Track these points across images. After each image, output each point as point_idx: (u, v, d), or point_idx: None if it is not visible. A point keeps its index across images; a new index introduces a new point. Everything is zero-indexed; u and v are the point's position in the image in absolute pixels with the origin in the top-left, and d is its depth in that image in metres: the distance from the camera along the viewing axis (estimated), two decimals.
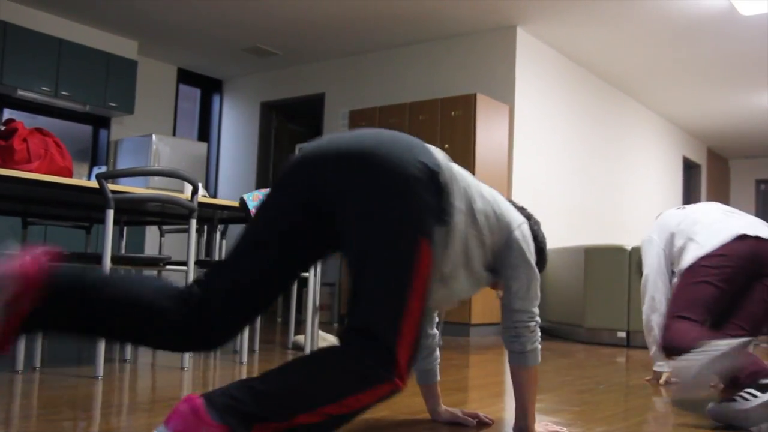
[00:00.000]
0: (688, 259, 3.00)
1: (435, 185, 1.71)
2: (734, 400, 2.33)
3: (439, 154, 1.81)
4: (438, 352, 2.38)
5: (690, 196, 11.02)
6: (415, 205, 1.63)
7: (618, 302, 5.56)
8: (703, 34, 6.58)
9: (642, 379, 3.59)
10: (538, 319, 2.06)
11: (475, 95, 6.09)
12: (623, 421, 2.47)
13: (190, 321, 1.66)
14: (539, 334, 2.08)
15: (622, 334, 5.59)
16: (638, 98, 8.97)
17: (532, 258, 2.03)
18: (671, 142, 10.21)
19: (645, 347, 5.46)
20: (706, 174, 11.55)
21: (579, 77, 7.68)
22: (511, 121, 6.52)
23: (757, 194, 12.46)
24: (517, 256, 2.01)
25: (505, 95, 6.56)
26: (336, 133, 1.77)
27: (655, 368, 3.44)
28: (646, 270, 3.34)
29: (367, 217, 1.61)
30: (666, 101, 9.09)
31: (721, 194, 12.11)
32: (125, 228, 4.91)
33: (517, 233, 2.01)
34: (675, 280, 3.15)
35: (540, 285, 2.09)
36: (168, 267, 3.44)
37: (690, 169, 11.10)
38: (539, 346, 2.08)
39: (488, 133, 6.18)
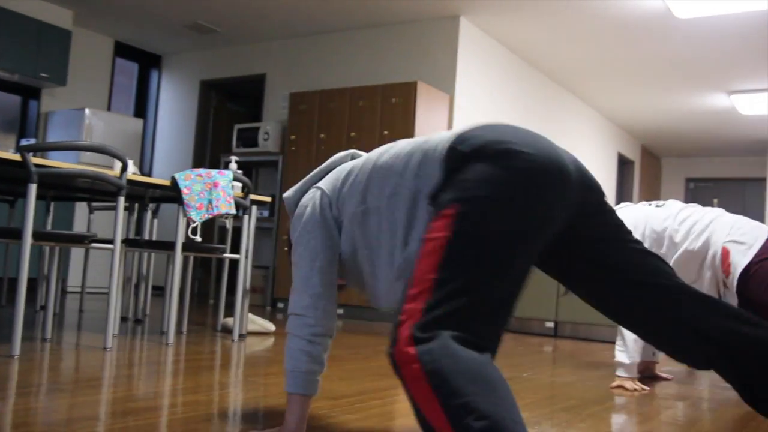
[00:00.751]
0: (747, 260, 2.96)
1: None
2: None
3: None
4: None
5: (623, 191, 11.29)
6: None
7: (547, 293, 5.67)
8: (640, 35, 6.73)
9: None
10: None
11: (416, 83, 6.10)
12: (542, 408, 2.53)
13: None
14: None
15: (550, 324, 5.72)
16: (577, 93, 9.13)
17: None
18: (607, 138, 10.44)
19: (572, 337, 5.60)
20: (639, 171, 11.86)
21: (520, 70, 7.77)
22: (451, 110, 6.56)
23: (686, 192, 12.85)
24: None
25: (446, 84, 6.59)
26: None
27: (620, 374, 3.18)
28: None
29: None
30: (603, 98, 9.27)
31: (652, 191, 12.46)
32: (52, 203, 4.77)
33: None
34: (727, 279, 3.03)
35: None
36: (93, 245, 3.35)
37: (624, 165, 11.37)
38: None
39: (428, 122, 6.20)
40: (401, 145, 1.72)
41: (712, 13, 6.00)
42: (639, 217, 3.22)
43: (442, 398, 1.28)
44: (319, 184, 1.87)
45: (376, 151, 1.79)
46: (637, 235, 3.15)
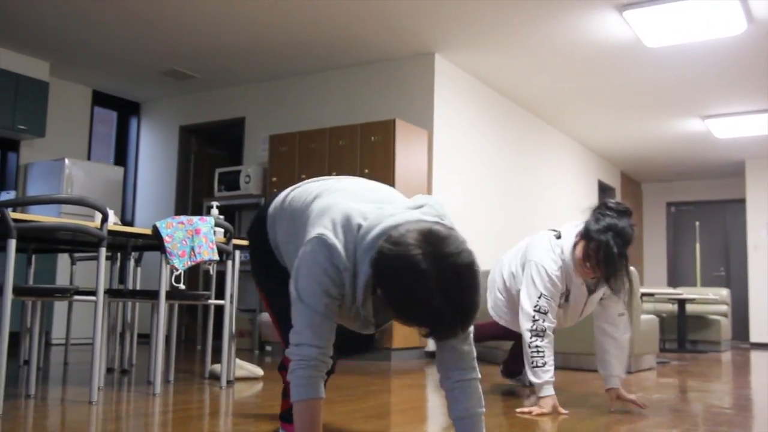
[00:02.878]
0: None
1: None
2: None
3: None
4: (471, 401, 1.95)
5: None
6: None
7: None
8: (612, 64, 6.84)
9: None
10: (291, 349, 1.83)
11: (394, 121, 6.14)
12: None
13: None
14: (292, 367, 1.83)
15: None
16: (554, 124, 9.23)
17: (293, 284, 1.87)
18: (586, 167, 10.53)
19: (563, 368, 5.58)
20: (620, 197, 11.95)
21: (496, 103, 7.85)
22: (430, 146, 6.60)
23: (668, 216, 12.96)
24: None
25: (424, 121, 6.65)
26: None
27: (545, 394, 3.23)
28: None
29: None
30: (580, 127, 9.38)
31: (634, 216, 12.47)
32: (34, 256, 4.73)
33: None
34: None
35: None
36: (76, 297, 3.32)
37: (605, 192, 11.46)
38: (295, 382, 1.82)
39: (407, 159, 6.24)
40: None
41: (680, 41, 6.12)
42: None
43: None
44: None
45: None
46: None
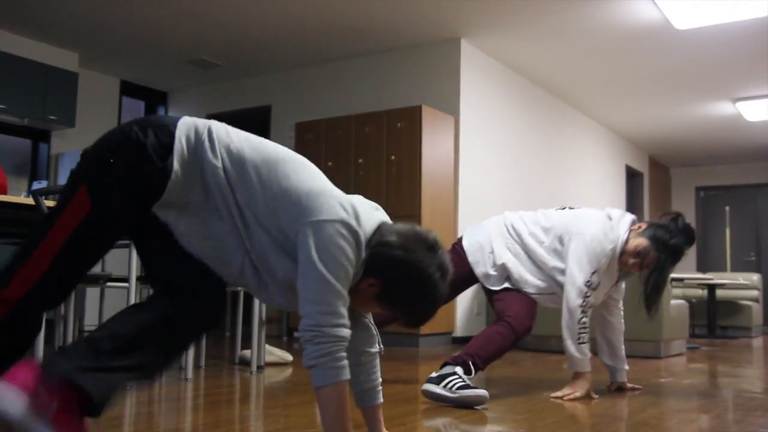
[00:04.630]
0: None
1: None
2: None
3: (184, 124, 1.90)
4: (377, 373, 2.08)
5: (633, 203, 11.26)
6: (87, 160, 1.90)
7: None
8: (641, 47, 6.76)
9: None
10: (325, 330, 1.74)
11: (420, 107, 6.13)
12: (566, 428, 2.51)
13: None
14: (325, 349, 1.75)
15: None
16: (581, 109, 9.15)
17: (321, 263, 1.75)
18: (614, 151, 10.44)
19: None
20: (648, 182, 11.83)
21: (523, 88, 7.80)
22: (457, 132, 6.59)
23: (697, 200, 12.81)
24: (303, 250, 1.77)
25: (451, 107, 6.62)
26: None
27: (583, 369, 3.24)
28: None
29: None
30: (608, 111, 9.29)
31: (662, 201, 12.42)
32: None
33: (311, 227, 1.77)
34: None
35: None
36: (109, 284, 3.37)
37: (633, 177, 11.35)
38: (330, 364, 1.75)
39: (434, 145, 6.23)
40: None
41: (711, 22, 6.03)
42: None
43: None
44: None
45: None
46: None
